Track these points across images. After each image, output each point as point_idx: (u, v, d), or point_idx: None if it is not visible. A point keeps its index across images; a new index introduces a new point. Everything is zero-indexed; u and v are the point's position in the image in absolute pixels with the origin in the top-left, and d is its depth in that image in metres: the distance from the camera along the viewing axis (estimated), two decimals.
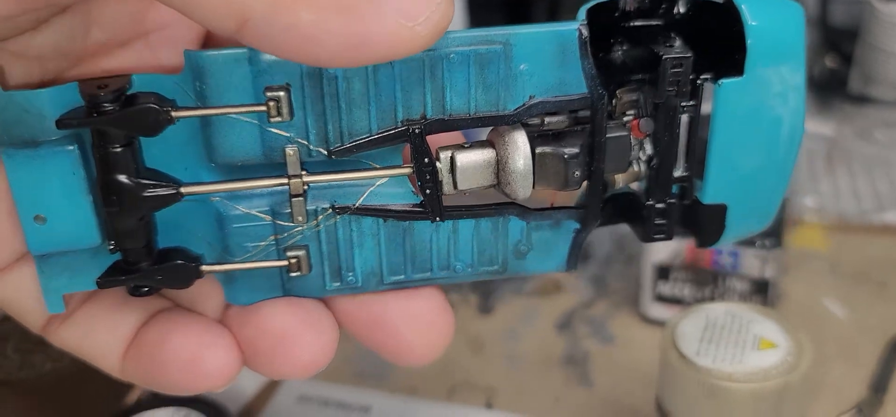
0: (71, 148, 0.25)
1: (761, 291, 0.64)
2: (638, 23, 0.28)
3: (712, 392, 0.44)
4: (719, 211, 0.28)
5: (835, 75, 1.00)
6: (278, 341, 0.28)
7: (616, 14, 0.28)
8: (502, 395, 0.61)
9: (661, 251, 0.64)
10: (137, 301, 0.28)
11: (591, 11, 0.27)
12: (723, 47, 0.27)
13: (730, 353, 0.45)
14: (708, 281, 0.64)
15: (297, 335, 0.28)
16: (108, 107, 0.24)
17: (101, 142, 0.25)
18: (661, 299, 0.65)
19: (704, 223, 0.29)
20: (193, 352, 0.27)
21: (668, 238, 0.29)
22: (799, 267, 0.71)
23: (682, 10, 0.28)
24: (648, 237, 0.29)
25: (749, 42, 0.25)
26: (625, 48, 0.28)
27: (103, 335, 0.28)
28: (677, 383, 0.46)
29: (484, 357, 0.64)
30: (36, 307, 0.27)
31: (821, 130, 0.91)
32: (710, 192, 0.28)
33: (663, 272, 0.65)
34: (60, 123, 0.25)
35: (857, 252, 0.74)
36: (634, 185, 0.30)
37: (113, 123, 0.25)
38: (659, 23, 0.28)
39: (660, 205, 0.29)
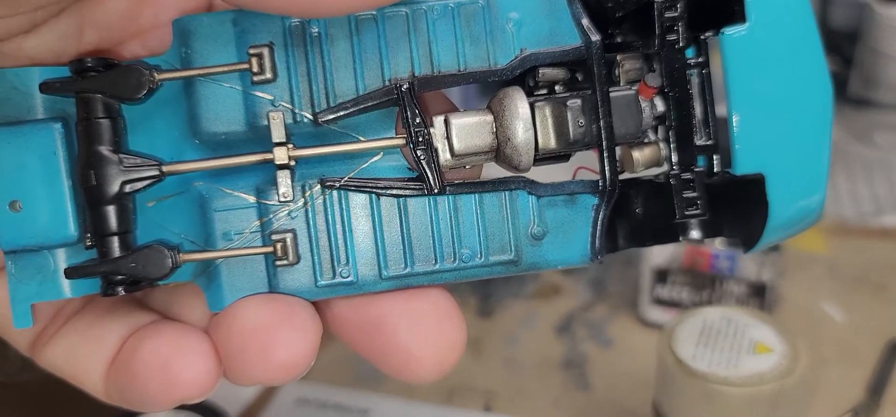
0: (55, 124, 0.25)
1: (759, 294, 0.64)
2: None
3: (708, 397, 0.44)
4: (758, 185, 0.25)
5: (835, 78, 0.98)
6: (250, 339, 0.24)
7: (609, 4, 0.27)
8: (501, 398, 0.61)
9: (660, 254, 0.64)
10: (121, 315, 0.27)
11: None
12: (723, 11, 0.26)
13: (726, 357, 0.45)
14: (706, 285, 0.64)
15: (272, 331, 0.24)
16: (93, 72, 0.24)
17: (84, 112, 0.24)
18: (660, 302, 0.65)
19: (744, 206, 0.26)
20: (166, 358, 0.25)
21: (703, 215, 0.27)
22: (797, 270, 0.71)
23: None
24: (680, 214, 0.27)
25: None
26: (619, 13, 0.27)
27: (86, 353, 0.26)
28: (674, 387, 0.47)
29: (483, 361, 0.65)
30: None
31: None
32: (742, 159, 0.25)
33: (661, 275, 0.65)
34: (44, 87, 0.25)
35: (855, 255, 0.75)
36: (656, 171, 0.28)
37: (96, 86, 0.24)
38: None
39: (686, 176, 0.27)
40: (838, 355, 0.62)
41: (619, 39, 0.27)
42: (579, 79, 0.27)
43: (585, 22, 0.26)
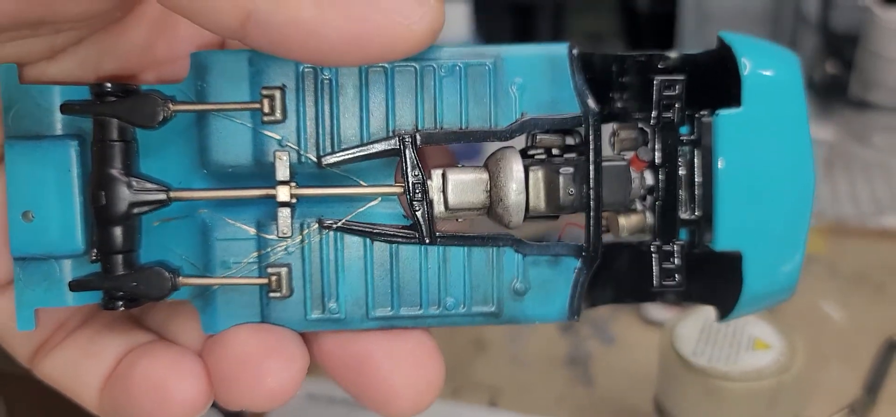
0: (72, 142, 0.26)
1: None
2: (636, 56, 0.27)
3: (709, 391, 0.45)
4: (734, 262, 0.26)
5: (835, 80, 1.01)
6: (241, 366, 0.26)
7: (613, 69, 0.28)
8: (506, 394, 0.62)
9: None
10: (119, 332, 0.28)
11: (585, 58, 0.26)
12: (720, 92, 0.26)
13: (726, 354, 0.46)
14: None
15: (262, 360, 0.26)
16: (112, 97, 0.25)
17: (100, 134, 0.25)
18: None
19: (720, 279, 0.27)
20: (160, 379, 0.26)
21: (680, 287, 0.28)
22: None
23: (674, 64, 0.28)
24: (658, 284, 0.28)
25: (744, 73, 0.26)
26: (622, 80, 0.28)
27: (84, 368, 0.27)
28: (675, 383, 0.48)
29: (488, 357, 0.66)
30: (24, 338, 0.27)
31: (820, 135, 0.92)
32: (722, 235, 0.26)
33: None
34: (64, 108, 0.25)
35: (854, 255, 0.76)
36: (640, 238, 0.29)
37: (114, 111, 0.25)
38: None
39: (667, 248, 0.28)
40: (836, 353, 0.63)
41: (618, 105, 0.28)
42: (575, 141, 0.28)
43: (589, 100, 0.26)
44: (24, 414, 0.68)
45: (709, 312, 0.49)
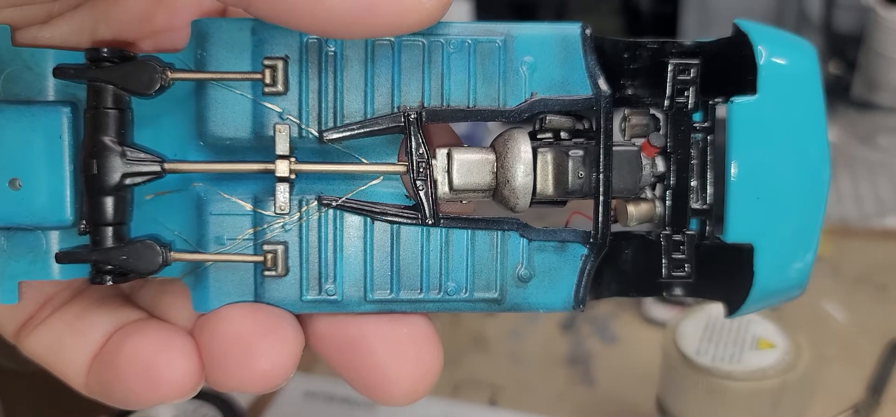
0: (64, 109, 0.25)
1: None
2: (649, 43, 0.27)
3: (712, 391, 0.45)
4: (745, 255, 0.26)
5: (838, 81, 1.00)
6: (233, 346, 0.25)
7: (625, 55, 0.27)
8: (506, 392, 0.62)
9: None
10: (108, 309, 0.27)
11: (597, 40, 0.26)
12: (735, 80, 0.26)
13: (729, 353, 0.46)
14: None
15: (255, 340, 0.25)
16: (108, 63, 0.24)
17: (94, 101, 0.25)
18: (664, 300, 0.66)
19: (730, 272, 0.26)
20: (150, 358, 0.25)
21: (689, 278, 0.27)
22: None
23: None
24: (667, 274, 0.27)
25: (760, 61, 0.25)
26: (634, 66, 0.27)
27: (71, 345, 0.26)
28: (678, 382, 0.47)
29: (488, 356, 0.66)
30: (10, 312, 0.27)
31: None
32: (733, 226, 0.26)
33: None
34: (58, 71, 0.25)
35: (858, 255, 0.75)
36: (649, 227, 0.28)
37: (109, 77, 0.24)
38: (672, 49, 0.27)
39: (677, 237, 0.27)
40: (840, 353, 0.63)
41: (629, 92, 0.27)
42: (584, 127, 0.27)
43: (601, 82, 0.26)
44: (23, 410, 0.68)
45: (712, 310, 0.49)
